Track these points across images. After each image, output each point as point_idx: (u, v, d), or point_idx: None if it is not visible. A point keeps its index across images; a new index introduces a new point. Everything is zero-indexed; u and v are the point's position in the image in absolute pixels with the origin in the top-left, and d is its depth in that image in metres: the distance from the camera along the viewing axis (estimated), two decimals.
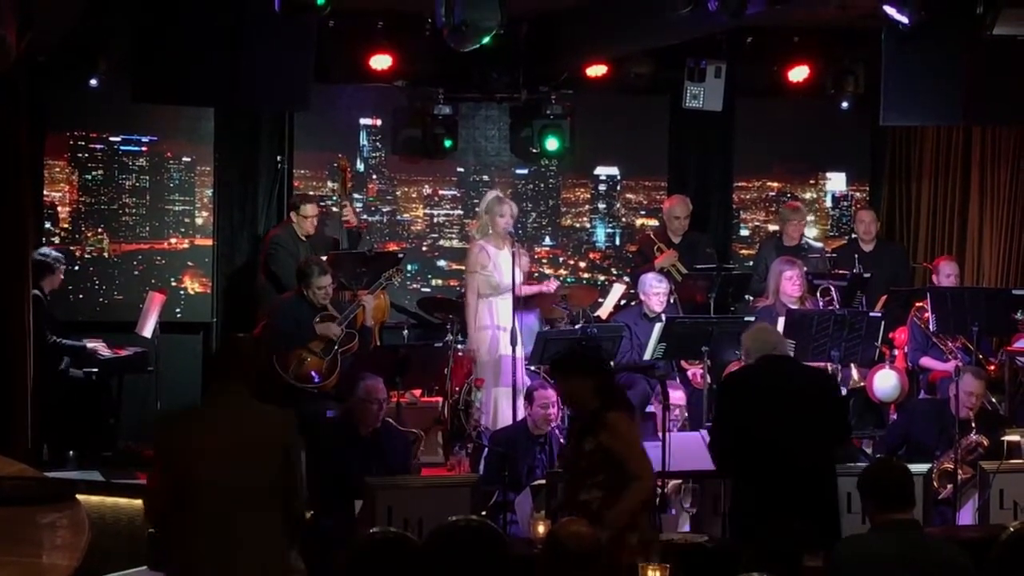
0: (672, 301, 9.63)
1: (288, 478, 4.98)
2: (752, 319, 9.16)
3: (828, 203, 11.92)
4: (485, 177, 11.36)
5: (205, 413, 5.14)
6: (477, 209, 9.43)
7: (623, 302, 10.31)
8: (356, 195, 10.93)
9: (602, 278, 11.46)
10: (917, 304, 9.62)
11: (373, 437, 7.51)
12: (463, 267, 9.99)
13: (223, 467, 4.89)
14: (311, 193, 10.56)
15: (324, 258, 9.38)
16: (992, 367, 9.27)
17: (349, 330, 9.00)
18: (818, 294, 9.65)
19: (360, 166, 11.12)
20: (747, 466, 6.28)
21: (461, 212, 11.32)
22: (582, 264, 11.58)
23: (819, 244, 10.96)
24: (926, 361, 9.56)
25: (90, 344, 9.45)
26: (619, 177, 11.62)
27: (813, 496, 6.17)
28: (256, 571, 4.92)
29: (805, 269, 9.75)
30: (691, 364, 9.42)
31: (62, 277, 9.59)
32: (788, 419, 6.22)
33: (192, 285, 10.70)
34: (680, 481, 7.91)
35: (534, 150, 11.20)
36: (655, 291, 9.50)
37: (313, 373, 8.85)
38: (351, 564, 5.82)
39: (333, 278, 9.07)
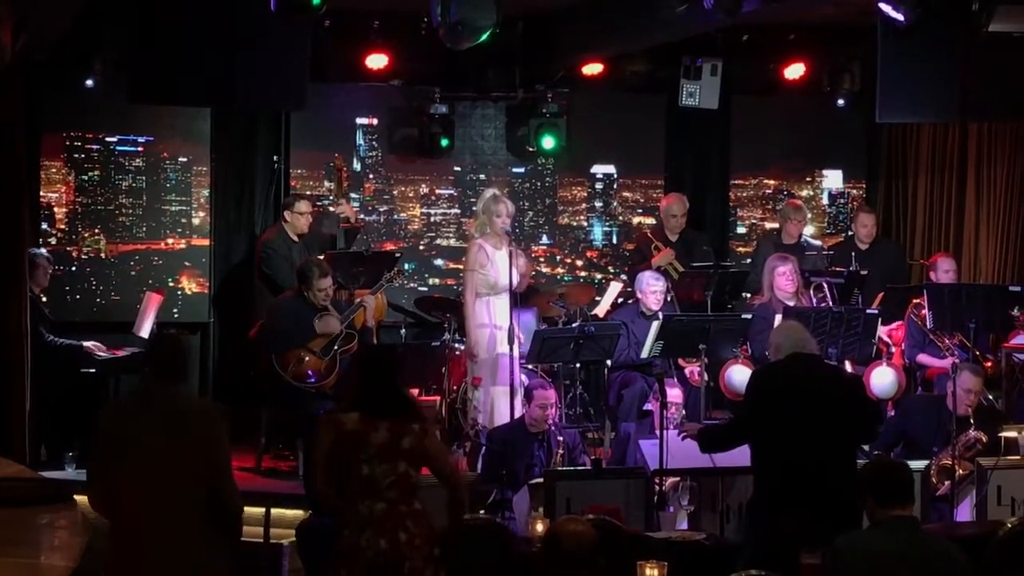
0: (669, 299, 9.63)
1: (214, 469, 5.07)
2: (749, 317, 9.18)
3: (825, 200, 11.92)
4: (482, 176, 11.36)
5: (138, 407, 5.23)
6: (475, 208, 9.42)
7: (620, 300, 10.31)
8: (353, 195, 10.93)
9: (599, 276, 11.47)
10: (914, 301, 9.62)
11: None
12: (460, 266, 9.99)
13: (147, 460, 5.00)
14: (303, 192, 10.57)
15: (321, 258, 9.39)
16: (989, 364, 9.27)
17: (349, 330, 9.00)
18: (811, 291, 9.65)
19: (356, 165, 11.12)
20: (770, 463, 6.27)
21: (458, 211, 11.32)
22: (579, 262, 11.58)
23: (817, 242, 10.95)
24: (923, 358, 9.56)
25: (87, 344, 9.44)
26: (616, 175, 11.62)
27: (831, 495, 6.15)
28: (180, 561, 4.99)
29: (801, 267, 9.76)
30: (688, 362, 9.42)
31: (49, 272, 9.56)
32: (812, 418, 6.22)
33: (189, 285, 10.70)
34: (678, 479, 7.92)
35: (531, 149, 11.21)
36: (652, 289, 9.50)
37: (310, 372, 8.85)
38: None
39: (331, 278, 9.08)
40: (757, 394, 6.46)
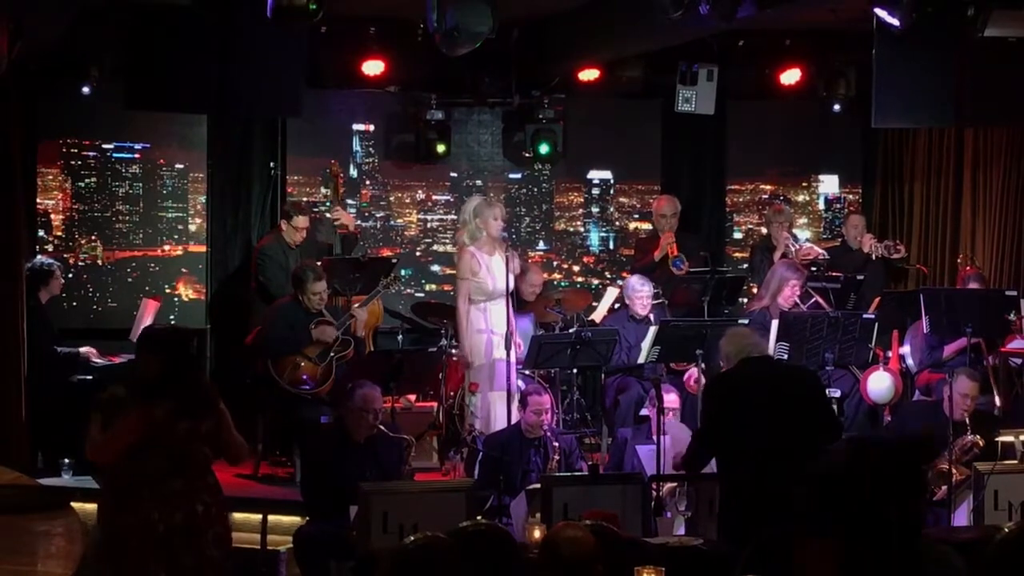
0: (664, 304, 9.65)
1: None
2: (746, 322, 9.18)
3: (821, 205, 11.93)
4: (478, 182, 11.36)
5: None
6: (463, 216, 9.33)
7: (616, 306, 10.32)
8: (349, 200, 10.94)
9: (596, 282, 11.47)
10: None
11: (367, 443, 7.51)
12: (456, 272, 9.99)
13: None
14: (303, 202, 10.56)
15: (318, 263, 9.37)
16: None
17: (345, 337, 8.98)
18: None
19: (353, 172, 11.12)
20: (737, 469, 6.29)
21: (454, 217, 11.28)
22: (576, 268, 11.58)
23: (807, 244, 10.94)
24: (950, 348, 9.47)
25: (83, 350, 9.44)
26: (612, 181, 11.63)
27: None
28: None
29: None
30: (682, 366, 9.41)
31: (61, 281, 9.58)
32: (774, 419, 6.24)
33: (186, 292, 10.70)
34: (675, 484, 7.92)
35: (527, 154, 11.22)
36: (638, 295, 9.52)
37: (306, 378, 8.84)
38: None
39: (327, 284, 9.06)
40: (710, 405, 6.50)
